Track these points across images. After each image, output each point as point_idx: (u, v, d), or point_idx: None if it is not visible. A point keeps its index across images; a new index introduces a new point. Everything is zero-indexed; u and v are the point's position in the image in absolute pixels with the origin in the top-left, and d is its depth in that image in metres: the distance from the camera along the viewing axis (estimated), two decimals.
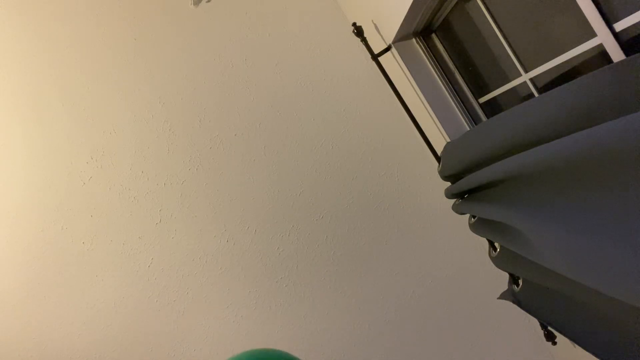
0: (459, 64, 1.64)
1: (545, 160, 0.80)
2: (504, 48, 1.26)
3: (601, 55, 0.94)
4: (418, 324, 1.97)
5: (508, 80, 1.35)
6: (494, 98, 1.51)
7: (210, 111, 1.92)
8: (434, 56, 1.67)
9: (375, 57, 1.64)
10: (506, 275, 1.72)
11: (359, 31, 1.63)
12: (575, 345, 1.57)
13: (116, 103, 1.87)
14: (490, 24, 1.27)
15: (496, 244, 1.67)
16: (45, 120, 1.82)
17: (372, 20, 1.70)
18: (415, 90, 1.71)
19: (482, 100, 1.60)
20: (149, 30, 1.90)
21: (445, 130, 1.67)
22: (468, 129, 1.67)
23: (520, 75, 1.25)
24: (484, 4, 1.26)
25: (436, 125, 1.70)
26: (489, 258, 1.70)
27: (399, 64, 1.70)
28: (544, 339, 1.69)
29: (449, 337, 1.97)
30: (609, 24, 0.87)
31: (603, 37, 0.90)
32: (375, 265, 1.97)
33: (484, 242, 1.82)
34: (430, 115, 1.71)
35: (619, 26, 0.86)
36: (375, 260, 1.97)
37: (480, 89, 1.59)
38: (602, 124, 0.64)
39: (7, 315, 1.79)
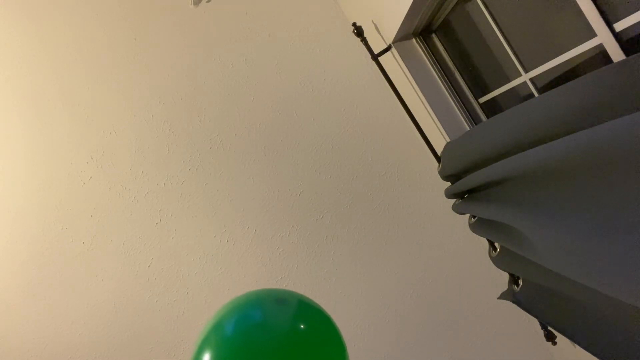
0: (459, 64, 1.64)
1: (545, 160, 0.80)
2: (504, 48, 1.26)
3: (601, 55, 0.94)
4: (418, 323, 1.97)
5: (508, 80, 1.35)
6: (494, 98, 1.51)
7: (210, 111, 1.92)
8: (434, 56, 1.67)
9: (375, 57, 1.64)
10: (506, 275, 1.72)
11: (359, 31, 1.63)
12: (575, 345, 1.57)
13: (116, 103, 1.87)
14: (490, 24, 1.27)
15: (496, 244, 1.67)
16: (46, 120, 1.82)
17: (372, 20, 1.70)
18: (415, 90, 1.71)
19: (482, 100, 1.60)
20: (149, 30, 1.90)
21: (445, 130, 1.67)
22: (468, 129, 1.67)
23: (520, 75, 1.25)
24: (484, 4, 1.26)
25: (436, 125, 1.70)
26: (489, 258, 1.70)
27: (399, 64, 1.70)
28: (544, 339, 1.69)
29: (448, 337, 1.97)
30: (609, 24, 0.87)
31: (603, 37, 0.90)
32: (374, 265, 1.97)
33: (484, 242, 1.82)
34: (430, 115, 1.71)
35: (619, 26, 0.86)
36: (374, 260, 1.97)
37: (480, 89, 1.59)
38: (602, 124, 0.64)
39: (7, 314, 1.79)
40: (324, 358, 0.77)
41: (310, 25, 1.99)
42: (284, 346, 0.73)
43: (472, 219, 1.61)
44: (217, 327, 0.79)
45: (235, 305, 0.86)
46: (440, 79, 1.67)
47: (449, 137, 1.67)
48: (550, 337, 1.67)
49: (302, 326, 0.79)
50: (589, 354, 1.16)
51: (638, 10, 0.81)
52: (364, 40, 1.65)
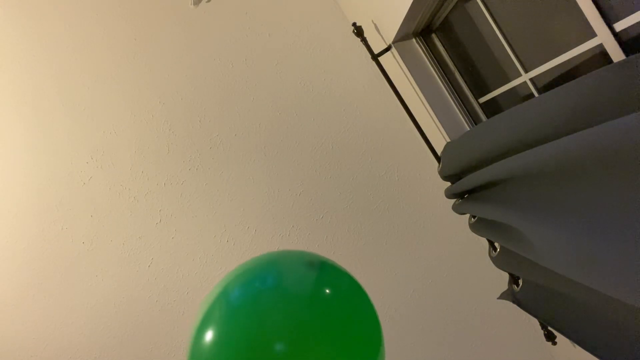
0: (459, 64, 1.64)
1: (545, 160, 0.80)
2: (504, 48, 1.26)
3: (601, 55, 0.94)
4: (417, 324, 1.97)
5: (508, 80, 1.35)
6: (494, 98, 1.51)
7: (210, 111, 1.92)
8: (434, 56, 1.67)
9: (375, 57, 1.64)
10: (506, 275, 1.72)
11: (359, 31, 1.63)
12: (575, 345, 1.57)
13: (116, 103, 1.87)
14: (490, 24, 1.27)
15: (496, 244, 1.67)
16: (46, 120, 1.82)
17: (372, 20, 1.70)
18: (415, 90, 1.71)
19: (482, 100, 1.60)
20: (149, 30, 1.90)
21: (445, 130, 1.67)
22: (468, 129, 1.67)
23: (520, 75, 1.25)
24: (484, 4, 1.26)
25: (436, 125, 1.70)
26: (489, 258, 1.70)
27: (399, 64, 1.70)
28: (544, 339, 1.69)
29: (448, 337, 1.97)
30: (609, 24, 0.87)
31: (603, 37, 0.90)
32: (374, 265, 1.97)
33: (484, 242, 1.82)
34: (430, 115, 1.71)
35: (619, 26, 0.86)
36: (374, 260, 1.97)
37: (480, 89, 1.59)
38: (602, 124, 0.64)
39: (7, 314, 1.79)
40: (356, 332, 0.65)
41: (310, 25, 1.99)
42: (309, 320, 0.60)
43: (472, 219, 1.61)
44: (224, 294, 0.65)
45: (251, 267, 0.69)
46: (440, 79, 1.67)
47: (449, 137, 1.67)
48: (550, 337, 1.67)
49: (327, 291, 0.67)
50: (589, 354, 1.16)
51: (638, 10, 0.81)
52: (364, 40, 1.65)
